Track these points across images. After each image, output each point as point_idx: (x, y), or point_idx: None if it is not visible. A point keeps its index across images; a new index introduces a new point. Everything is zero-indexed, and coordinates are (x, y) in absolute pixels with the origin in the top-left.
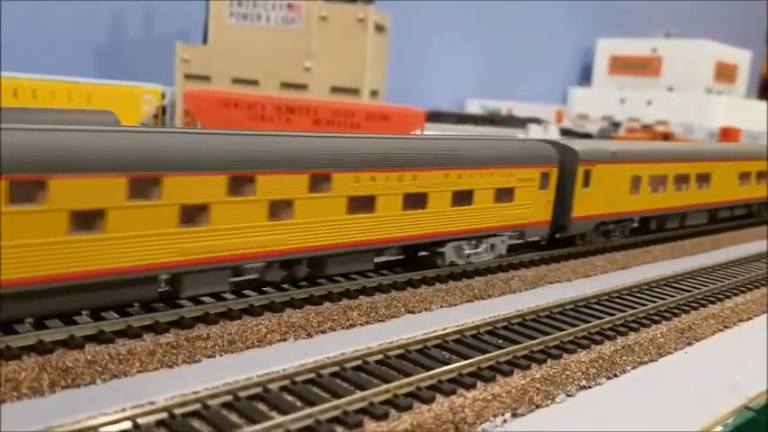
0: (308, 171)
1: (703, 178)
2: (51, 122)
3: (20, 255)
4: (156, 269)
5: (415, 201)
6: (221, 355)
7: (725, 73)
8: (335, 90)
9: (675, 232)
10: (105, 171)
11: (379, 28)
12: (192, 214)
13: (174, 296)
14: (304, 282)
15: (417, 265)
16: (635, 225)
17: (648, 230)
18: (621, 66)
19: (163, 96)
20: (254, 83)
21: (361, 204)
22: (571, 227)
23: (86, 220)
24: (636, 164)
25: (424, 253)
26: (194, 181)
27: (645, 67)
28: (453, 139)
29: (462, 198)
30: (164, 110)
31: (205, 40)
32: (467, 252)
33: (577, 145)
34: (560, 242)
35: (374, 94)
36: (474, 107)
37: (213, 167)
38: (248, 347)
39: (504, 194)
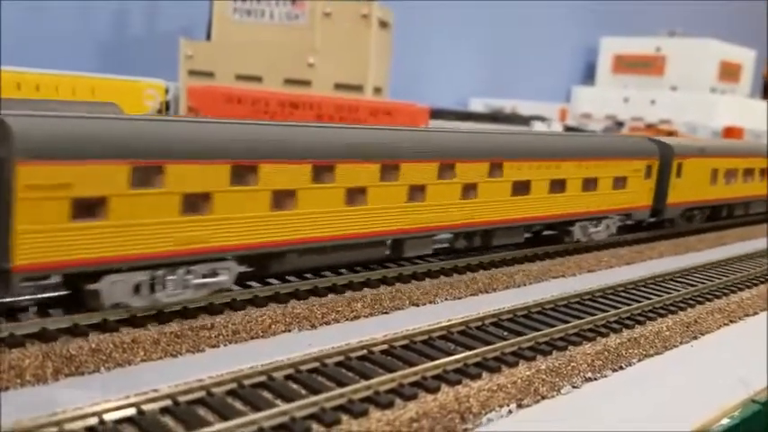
0: (488, 160)
1: (764, 172)
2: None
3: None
4: (387, 235)
5: (557, 186)
6: (225, 345)
7: (729, 72)
8: (339, 87)
9: (680, 228)
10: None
11: (383, 24)
12: (416, 194)
13: (396, 257)
14: (308, 274)
15: (540, 243)
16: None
17: (719, 217)
18: (625, 65)
19: (167, 91)
20: (258, 79)
21: (521, 188)
22: (666, 211)
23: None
24: (716, 158)
25: (549, 232)
26: (418, 167)
27: (649, 66)
28: (583, 136)
29: (589, 185)
30: (167, 105)
31: (209, 37)
32: (590, 230)
33: (672, 141)
34: (651, 225)
35: (378, 91)
36: (477, 105)
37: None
38: (252, 338)
39: (619, 182)
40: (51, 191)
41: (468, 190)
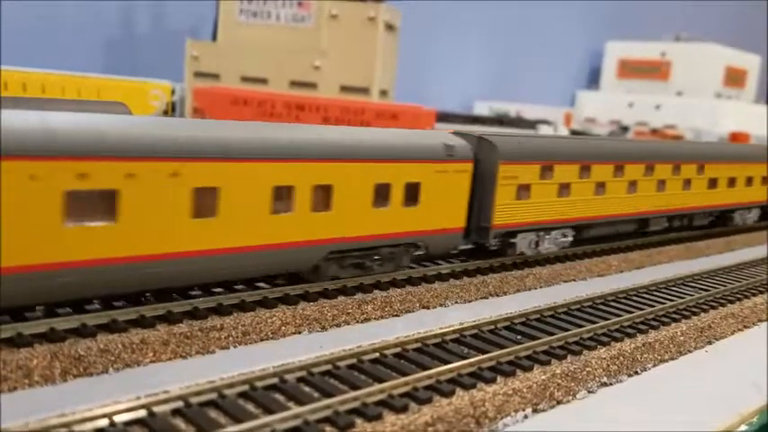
0: (696, 163)
1: None
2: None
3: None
4: (640, 215)
5: (713, 183)
6: (235, 347)
7: (734, 77)
8: (345, 89)
9: (688, 233)
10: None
11: (390, 27)
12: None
13: (642, 231)
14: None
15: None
16: None
17: None
18: (630, 69)
19: (173, 92)
20: (264, 81)
21: (713, 184)
22: None
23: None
24: None
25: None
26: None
27: (654, 70)
28: (725, 144)
29: (733, 182)
30: (173, 106)
31: (215, 38)
32: (747, 216)
33: None
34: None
35: (384, 93)
36: (483, 109)
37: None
38: (262, 339)
39: (749, 181)
40: (509, 180)
41: (686, 184)
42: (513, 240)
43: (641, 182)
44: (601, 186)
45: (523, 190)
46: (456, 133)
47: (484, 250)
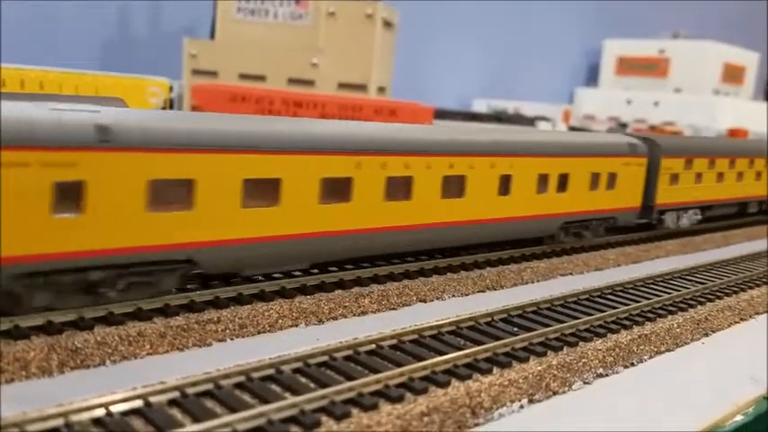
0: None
1: None
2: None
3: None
4: (742, 200)
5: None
6: (232, 339)
7: (732, 74)
8: (342, 86)
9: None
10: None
11: (387, 24)
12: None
13: (741, 212)
14: (314, 269)
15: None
16: None
17: None
18: (628, 67)
19: (171, 89)
20: (262, 78)
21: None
22: None
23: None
24: None
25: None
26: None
27: (652, 68)
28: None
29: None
30: (171, 103)
31: (212, 36)
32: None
33: None
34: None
35: (381, 90)
36: (481, 106)
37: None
38: (259, 332)
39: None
40: (666, 170)
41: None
42: (662, 217)
43: (745, 173)
44: (720, 176)
45: (674, 178)
46: (627, 134)
47: (639, 226)
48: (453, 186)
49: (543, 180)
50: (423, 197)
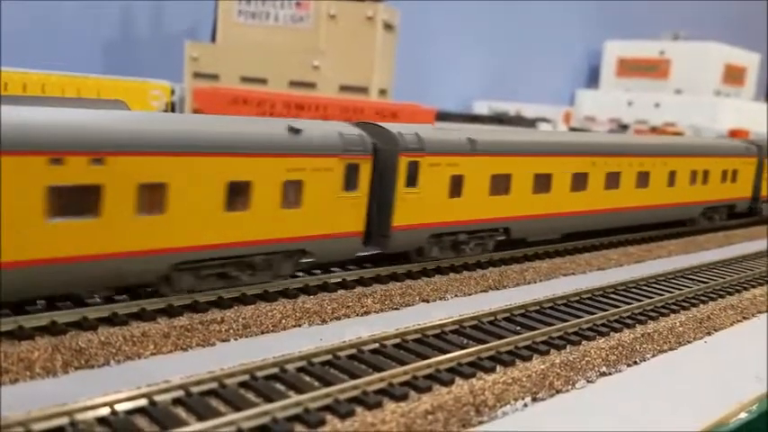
0: None
1: None
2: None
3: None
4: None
5: None
6: (236, 339)
7: (733, 75)
8: (344, 88)
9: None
10: None
11: (388, 26)
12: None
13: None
14: (317, 269)
15: None
16: None
17: None
18: (629, 68)
19: (172, 92)
20: (263, 81)
21: None
22: None
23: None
24: None
25: None
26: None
27: (653, 69)
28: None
29: None
30: (173, 106)
31: (214, 39)
32: None
33: None
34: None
35: (383, 92)
36: (482, 108)
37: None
38: (263, 332)
39: None
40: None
41: None
42: (762, 206)
43: None
44: None
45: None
46: (740, 140)
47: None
48: (642, 179)
49: (693, 175)
50: (626, 187)
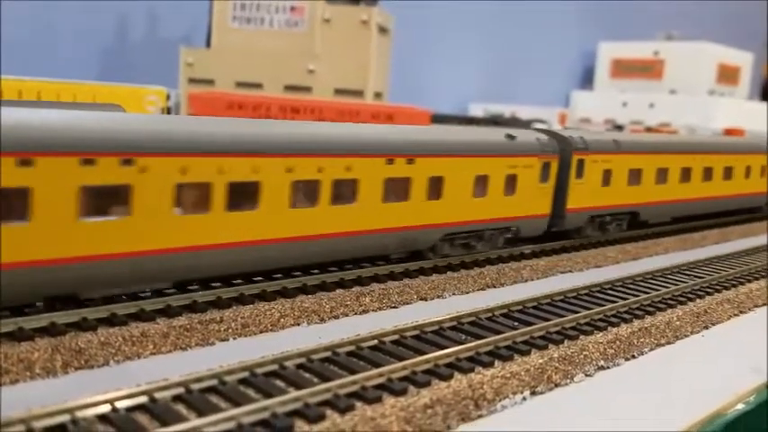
0: None
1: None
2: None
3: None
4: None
5: None
6: (235, 339)
7: (727, 75)
8: (339, 92)
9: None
10: None
11: (383, 30)
12: None
13: None
14: (315, 269)
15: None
16: None
17: None
18: (624, 69)
19: (168, 97)
20: (258, 86)
21: None
22: None
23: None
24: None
25: None
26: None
27: (647, 69)
28: None
29: None
30: (169, 111)
31: (209, 44)
32: None
33: None
34: None
35: (378, 96)
36: (477, 111)
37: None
38: (261, 331)
39: None
40: None
41: None
42: None
43: None
44: None
45: None
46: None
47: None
48: (726, 173)
49: (748, 170)
50: (717, 179)
